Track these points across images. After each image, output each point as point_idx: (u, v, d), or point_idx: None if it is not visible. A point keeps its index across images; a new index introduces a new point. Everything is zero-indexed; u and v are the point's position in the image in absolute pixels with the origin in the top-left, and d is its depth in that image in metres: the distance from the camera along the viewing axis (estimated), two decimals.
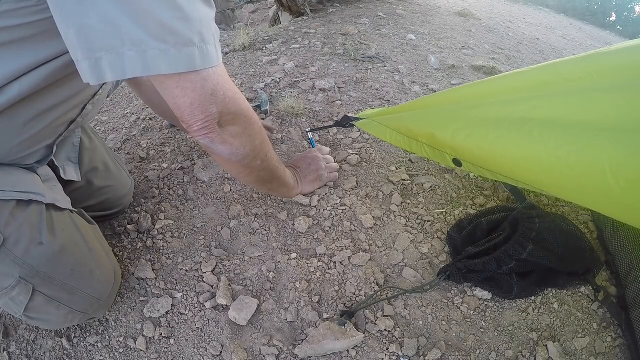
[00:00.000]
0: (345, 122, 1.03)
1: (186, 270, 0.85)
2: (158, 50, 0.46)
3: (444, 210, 0.96)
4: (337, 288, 0.81)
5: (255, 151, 0.68)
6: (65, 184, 0.78)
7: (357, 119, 1.00)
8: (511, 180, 0.70)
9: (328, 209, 0.96)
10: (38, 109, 0.60)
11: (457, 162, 0.76)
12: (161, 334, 0.76)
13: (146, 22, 0.44)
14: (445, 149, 0.77)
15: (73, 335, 0.78)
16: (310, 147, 1.13)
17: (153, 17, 0.44)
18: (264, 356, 0.72)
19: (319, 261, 0.85)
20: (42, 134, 0.66)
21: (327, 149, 1.11)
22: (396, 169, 1.07)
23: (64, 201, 0.71)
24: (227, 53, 1.94)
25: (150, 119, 1.39)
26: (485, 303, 0.78)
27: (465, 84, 0.88)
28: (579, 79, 0.62)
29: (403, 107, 0.97)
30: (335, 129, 1.24)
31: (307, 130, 1.18)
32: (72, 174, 0.79)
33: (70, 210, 0.72)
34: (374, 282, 0.81)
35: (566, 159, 0.55)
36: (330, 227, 0.92)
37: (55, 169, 0.76)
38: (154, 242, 0.92)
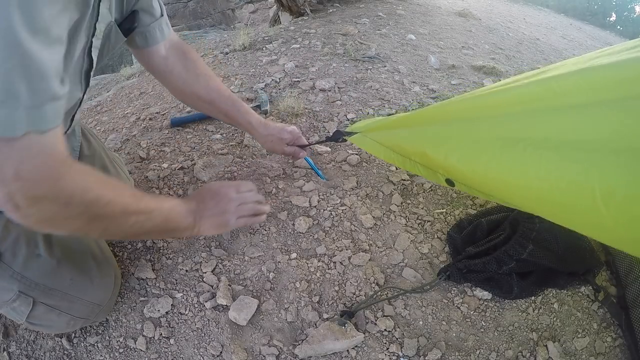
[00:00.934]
0: (338, 137, 1.01)
1: (186, 270, 0.85)
2: None
3: (444, 210, 0.96)
4: (337, 288, 0.81)
5: (81, 230, 0.55)
6: None
7: (349, 134, 0.99)
8: (504, 202, 0.70)
9: (328, 209, 0.96)
10: None
11: (449, 182, 0.76)
12: (161, 334, 0.76)
13: None
14: (438, 169, 0.77)
15: (73, 335, 0.78)
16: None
17: None
18: (264, 356, 0.72)
19: (319, 261, 0.85)
20: None
21: (251, 185, 0.85)
22: (396, 169, 1.07)
23: None
24: (227, 53, 1.94)
25: (150, 119, 1.39)
26: (485, 303, 0.78)
27: (457, 97, 0.87)
28: (571, 94, 0.61)
29: (395, 121, 0.95)
30: (334, 129, 1.24)
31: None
32: None
33: None
34: (374, 282, 0.81)
35: (557, 184, 0.55)
36: (330, 227, 0.92)
37: None
38: (154, 242, 0.91)
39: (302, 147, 1.02)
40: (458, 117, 0.77)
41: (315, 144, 1.13)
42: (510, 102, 0.70)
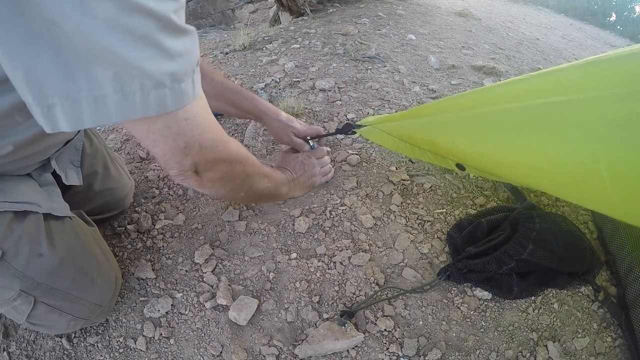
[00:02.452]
0: (347, 129, 1.03)
1: (186, 270, 0.85)
2: (121, 94, 0.39)
3: (444, 210, 0.96)
4: (337, 288, 0.81)
5: (236, 188, 0.66)
6: (66, 189, 0.77)
7: (358, 126, 1.00)
8: (516, 183, 0.71)
9: (328, 209, 0.96)
10: (35, 133, 0.58)
11: (460, 167, 0.77)
12: (161, 334, 0.76)
13: (107, 64, 0.37)
14: (447, 155, 0.77)
15: (73, 335, 0.78)
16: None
17: (116, 58, 0.37)
18: (264, 356, 0.72)
19: (319, 261, 0.85)
20: (37, 154, 0.65)
21: (324, 150, 1.06)
22: (396, 169, 1.07)
23: (62, 208, 0.69)
24: (227, 53, 1.94)
25: None
26: (485, 303, 0.78)
27: (465, 91, 0.88)
28: (578, 87, 0.62)
29: (404, 114, 0.97)
30: (334, 129, 1.24)
31: (307, 137, 1.16)
32: (74, 178, 0.78)
33: (69, 216, 0.71)
34: (374, 282, 0.81)
35: (565, 166, 0.56)
36: (330, 227, 0.92)
37: (55, 174, 0.75)
38: (154, 242, 0.91)
39: (312, 139, 1.03)
40: (467, 108, 0.78)
41: (324, 136, 1.13)
42: (518, 95, 0.71)
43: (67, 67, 0.36)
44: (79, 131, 0.73)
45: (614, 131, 0.53)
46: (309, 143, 1.04)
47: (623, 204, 0.52)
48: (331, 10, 2.71)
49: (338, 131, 1.04)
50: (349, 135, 1.12)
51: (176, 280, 0.84)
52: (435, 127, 0.81)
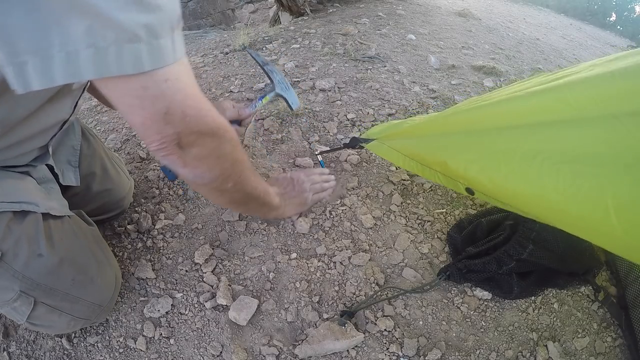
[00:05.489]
0: (355, 144, 1.01)
1: (186, 270, 0.85)
2: (94, 49, 0.37)
3: (444, 210, 0.96)
4: (337, 288, 0.81)
5: (225, 174, 0.58)
6: (64, 189, 0.77)
7: (366, 140, 0.99)
8: (522, 212, 0.72)
9: (328, 209, 0.96)
10: (23, 110, 0.57)
11: (470, 191, 0.77)
12: (161, 334, 0.76)
13: (80, 17, 0.35)
14: (458, 179, 0.78)
15: (73, 335, 0.78)
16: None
17: (90, 8, 0.35)
18: (264, 356, 0.72)
19: (319, 261, 0.85)
20: (33, 136, 0.64)
21: (311, 166, 1.01)
22: (396, 169, 1.07)
23: (60, 207, 0.69)
24: (227, 53, 1.94)
25: None
26: (485, 303, 0.78)
27: (475, 102, 0.87)
28: (585, 107, 0.63)
29: (411, 129, 0.94)
30: (335, 129, 1.24)
31: (316, 152, 1.15)
32: (70, 178, 0.78)
33: (67, 215, 0.70)
34: (374, 282, 0.81)
35: (573, 198, 0.58)
36: (330, 227, 0.92)
37: (54, 174, 0.75)
38: (154, 242, 0.91)
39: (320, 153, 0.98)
40: (477, 128, 0.78)
41: (331, 151, 1.12)
42: (527, 112, 0.71)
43: (40, 21, 0.35)
44: (74, 110, 0.71)
45: (620, 164, 0.54)
46: (318, 158, 1.04)
47: (623, 236, 0.54)
48: (331, 10, 2.71)
49: (345, 145, 1.02)
50: (355, 149, 1.11)
51: (176, 280, 0.84)
52: (447, 149, 0.80)
